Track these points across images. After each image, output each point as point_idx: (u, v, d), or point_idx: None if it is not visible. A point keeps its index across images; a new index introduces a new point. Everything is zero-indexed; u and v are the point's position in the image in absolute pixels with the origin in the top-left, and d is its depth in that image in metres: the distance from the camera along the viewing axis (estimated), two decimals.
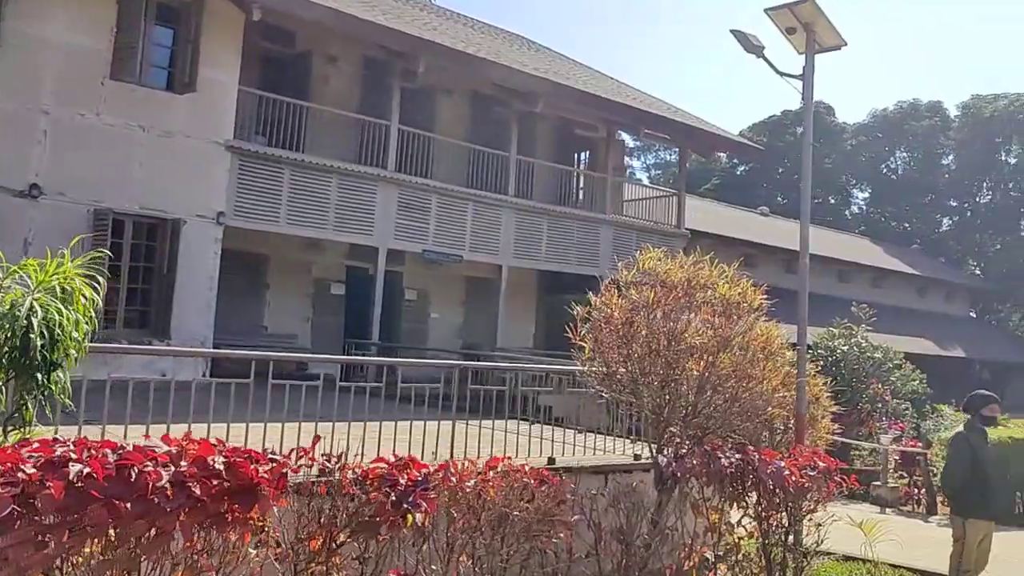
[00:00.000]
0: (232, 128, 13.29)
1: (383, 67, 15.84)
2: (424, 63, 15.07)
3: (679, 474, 5.96)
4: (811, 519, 6.42)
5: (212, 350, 12.17)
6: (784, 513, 6.28)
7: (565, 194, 20.12)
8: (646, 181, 59.78)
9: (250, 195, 13.55)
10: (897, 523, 11.36)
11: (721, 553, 6.17)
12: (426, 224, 15.89)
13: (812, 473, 6.02)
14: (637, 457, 7.36)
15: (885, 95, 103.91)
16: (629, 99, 19.18)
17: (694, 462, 5.85)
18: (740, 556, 6.21)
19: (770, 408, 6.71)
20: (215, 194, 13.12)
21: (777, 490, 5.91)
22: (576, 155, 22.02)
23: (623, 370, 6.28)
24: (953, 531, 6.78)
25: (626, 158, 78.50)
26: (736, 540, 6.16)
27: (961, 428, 6.89)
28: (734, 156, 57.98)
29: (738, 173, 56.07)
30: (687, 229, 21.24)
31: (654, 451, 6.49)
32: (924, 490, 12.10)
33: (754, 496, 6.08)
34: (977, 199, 50.52)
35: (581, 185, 21.42)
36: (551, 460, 7.20)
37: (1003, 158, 48.09)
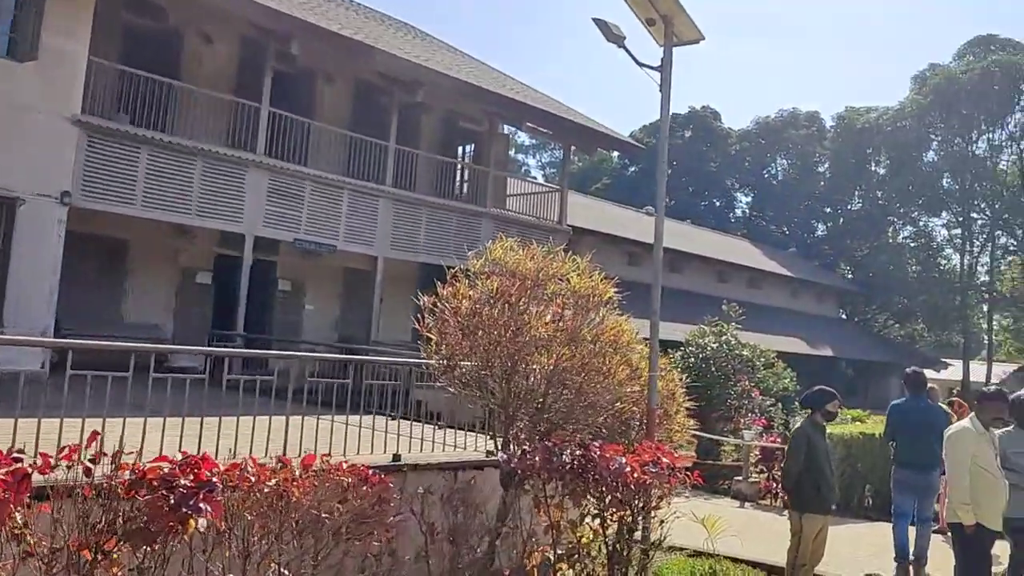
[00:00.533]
0: (80, 102, 12.37)
1: (258, 48, 15.14)
2: (299, 45, 14.50)
3: (520, 471, 5.77)
4: (655, 515, 6.35)
5: (42, 339, 11.29)
6: (628, 510, 6.18)
7: (448, 187, 19.85)
8: (541, 179, 60.27)
9: (101, 175, 12.66)
10: (753, 517, 11.64)
11: (562, 552, 6.02)
12: (299, 212, 15.30)
13: (654, 470, 5.94)
14: (491, 453, 7.14)
15: (768, 103, 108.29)
16: (512, 92, 19.05)
17: (536, 458, 5.66)
18: (582, 554, 6.07)
19: (618, 403, 6.62)
20: (60, 172, 12.19)
21: (619, 486, 5.80)
22: (462, 148, 21.81)
23: (467, 363, 6.04)
24: (791, 526, 6.86)
25: (521, 156, 78.89)
26: (578, 538, 6.02)
27: (801, 424, 6.97)
28: (625, 157, 59.24)
29: (628, 174, 57.13)
30: (570, 226, 21.29)
31: (499, 447, 6.30)
32: (781, 485, 12.39)
33: (596, 493, 5.95)
34: (849, 206, 53.07)
35: (466, 178, 21.23)
36: (396, 457, 6.92)
37: (872, 168, 50.67)
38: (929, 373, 42.73)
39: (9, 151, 11.60)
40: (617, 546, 6.22)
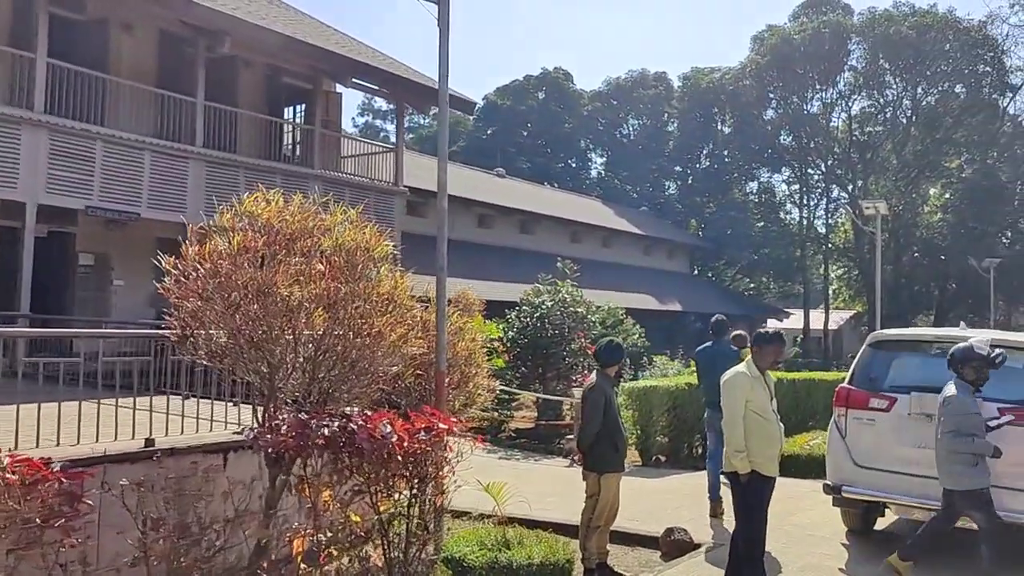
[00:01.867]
0: None
1: None
2: None
3: (274, 449, 5.07)
4: (437, 485, 5.80)
5: None
6: (406, 483, 5.60)
7: (275, 149, 18.61)
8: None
9: None
10: (575, 474, 11.42)
11: (332, 535, 5.38)
12: (90, 176, 13.78)
13: (426, 436, 5.36)
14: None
15: (619, 64, 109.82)
16: (337, 46, 17.96)
17: (282, 433, 4.97)
18: (354, 537, 5.45)
19: (394, 368, 5.99)
20: None
21: (385, 459, 5.19)
22: (292, 107, 20.55)
23: (212, 333, 5.24)
24: (587, 487, 6.49)
25: (380, 121, 76.80)
26: (346, 518, 5.39)
27: (595, 379, 6.56)
28: (480, 119, 58.61)
29: (483, 137, 56.56)
30: (415, 188, 20.46)
31: (256, 424, 5.56)
32: (577, 446, 12.25)
33: (361, 468, 5.32)
34: (697, 165, 54.59)
35: (298, 140, 20.04)
36: (149, 441, 6.07)
37: (718, 127, 52.19)
38: (773, 322, 44.86)
39: None
40: (392, 523, 5.64)
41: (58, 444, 5.63)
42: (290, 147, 20.20)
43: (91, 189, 13.79)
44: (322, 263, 5.67)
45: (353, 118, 74.74)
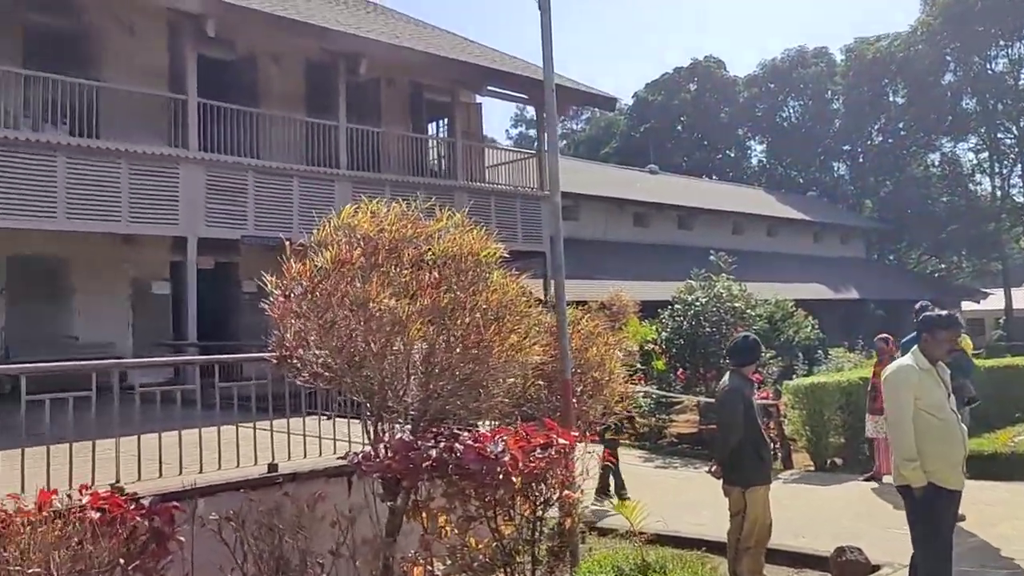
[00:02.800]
0: None
1: (181, 35, 14.19)
2: (216, 24, 13.48)
3: (375, 475, 4.76)
4: (566, 506, 5.30)
5: None
6: (528, 504, 5.14)
7: (421, 164, 18.80)
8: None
9: (14, 189, 11.79)
10: None
11: (450, 563, 5.01)
12: (244, 207, 14.35)
13: (541, 455, 4.88)
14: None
15: (773, 45, 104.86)
16: (469, 55, 17.92)
17: (387, 457, 4.65)
18: (476, 564, 5.05)
19: (510, 379, 5.54)
20: None
21: (498, 480, 4.75)
22: (435, 121, 20.80)
23: (304, 353, 5.02)
24: (731, 504, 5.76)
25: (531, 131, 77.51)
26: (465, 545, 5.00)
27: (728, 380, 5.83)
28: (633, 117, 57.64)
29: (636, 135, 55.46)
30: (564, 192, 20.02)
31: (369, 447, 5.28)
32: (779, 444, 11.26)
33: (477, 491, 4.91)
34: (867, 142, 50.92)
35: (443, 154, 20.21)
36: (272, 467, 5.96)
37: (889, 98, 48.44)
38: (968, 305, 40.90)
39: None
40: (517, 550, 5.19)
41: (160, 475, 5.58)
42: (435, 161, 20.39)
43: (246, 219, 14.35)
44: (427, 272, 5.33)
45: (507, 130, 75.68)
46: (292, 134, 15.94)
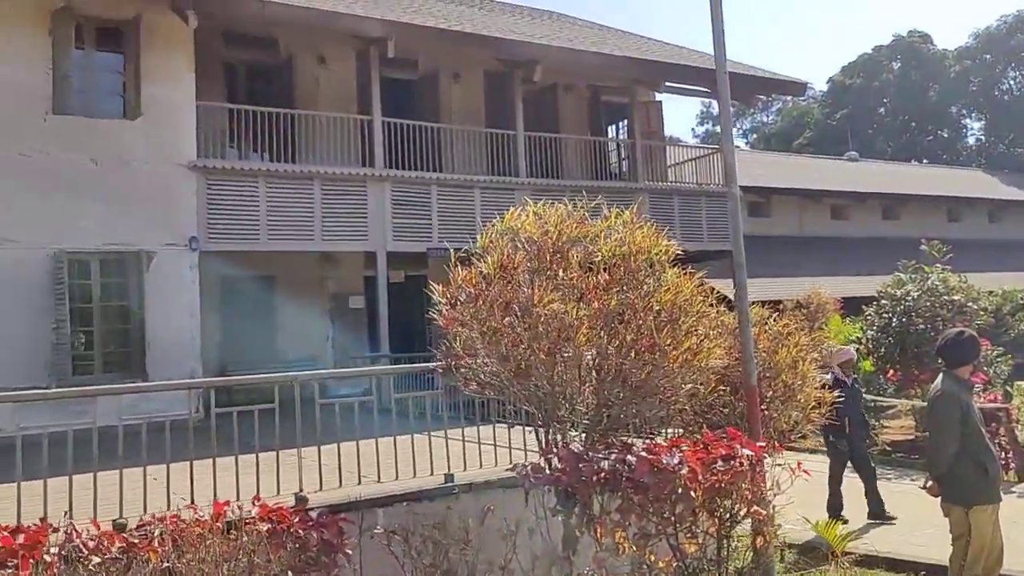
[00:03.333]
0: (195, 147, 12.54)
1: (367, 59, 14.81)
2: (397, 45, 13.94)
3: (543, 486, 4.55)
4: (758, 522, 4.83)
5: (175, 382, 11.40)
6: (714, 520, 4.73)
7: (602, 167, 18.55)
8: (744, 147, 56.67)
9: (223, 215, 12.75)
10: None
11: None
12: (428, 220, 14.72)
13: (723, 467, 4.44)
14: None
15: (986, 12, 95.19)
16: (644, 52, 17.48)
17: (556, 469, 4.42)
18: None
19: (687, 386, 5.14)
20: (185, 219, 12.40)
21: (674, 494, 4.38)
22: (615, 123, 20.48)
23: (469, 361, 4.90)
24: (952, 526, 5.00)
25: (716, 127, 75.31)
26: (643, 562, 4.66)
27: (941, 383, 5.07)
28: (828, 104, 54.33)
29: (832, 123, 52.18)
30: (742, 187, 19.06)
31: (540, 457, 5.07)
32: (1011, 454, 9.94)
33: (654, 505, 4.55)
34: None
35: (624, 156, 19.87)
36: (448, 477, 5.91)
37: None
38: None
39: (133, 207, 11.94)
40: (702, 567, 4.80)
41: (340, 485, 5.63)
42: (616, 164, 20.06)
43: (431, 232, 14.72)
44: (595, 274, 5.06)
45: (693, 128, 73.74)
46: (472, 146, 16.22)
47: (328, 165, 13.96)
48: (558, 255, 5.06)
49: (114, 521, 4.25)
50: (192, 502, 4.21)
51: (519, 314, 4.76)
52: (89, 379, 11.57)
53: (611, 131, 20.35)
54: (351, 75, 15.98)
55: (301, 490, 5.38)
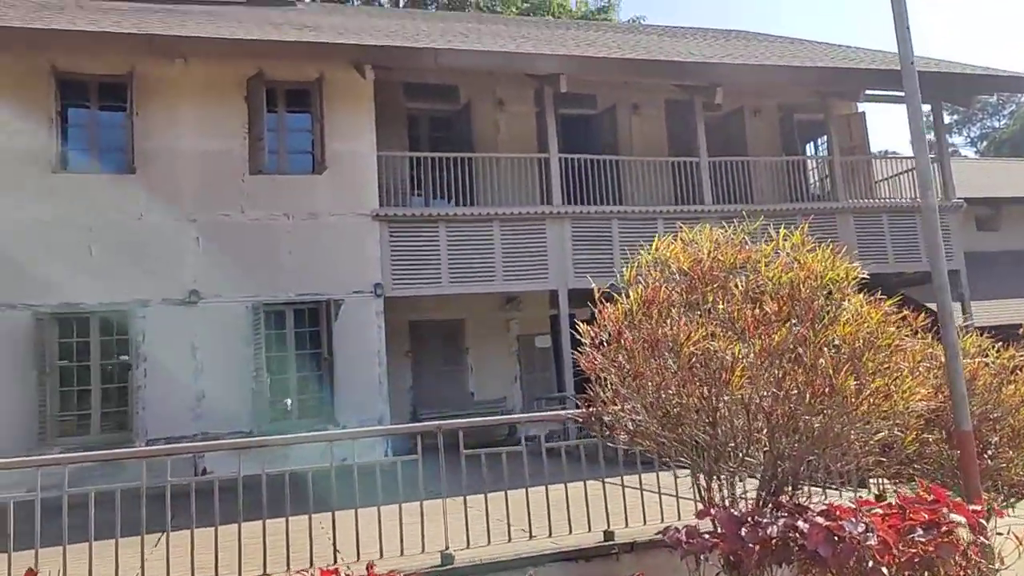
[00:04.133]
0: (377, 197, 12.94)
1: (543, 98, 14.72)
2: (570, 80, 13.72)
3: (699, 553, 3.92)
4: None
5: (368, 429, 11.62)
6: None
7: (799, 189, 17.29)
8: (971, 156, 51.61)
9: (406, 261, 13.01)
10: None
11: None
12: (609, 255, 14.25)
13: (924, 536, 3.58)
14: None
15: None
16: (843, 61, 16.15)
17: (712, 533, 3.78)
18: None
19: (879, 434, 4.30)
20: (370, 267, 12.76)
21: (867, 571, 3.58)
22: (812, 142, 19.12)
23: (611, 408, 4.37)
24: None
25: (946, 136, 69.79)
26: None
27: None
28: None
29: None
30: (962, 200, 17.06)
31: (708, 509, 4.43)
32: None
33: None
34: None
35: (823, 175, 18.45)
36: (608, 535, 5.38)
37: None
38: None
39: (321, 258, 12.47)
40: None
41: (488, 543, 5.24)
42: (816, 183, 18.66)
43: (611, 267, 14.23)
44: (756, 306, 4.40)
45: (911, 141, 68.15)
46: (654, 176, 15.64)
47: (507, 206, 13.93)
48: (714, 285, 4.44)
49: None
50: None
51: (665, 354, 4.19)
52: (288, 424, 12.12)
53: (808, 149, 19.00)
54: (529, 115, 15.98)
55: (447, 547, 5.06)
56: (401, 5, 31.72)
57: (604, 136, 16.46)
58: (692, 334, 4.13)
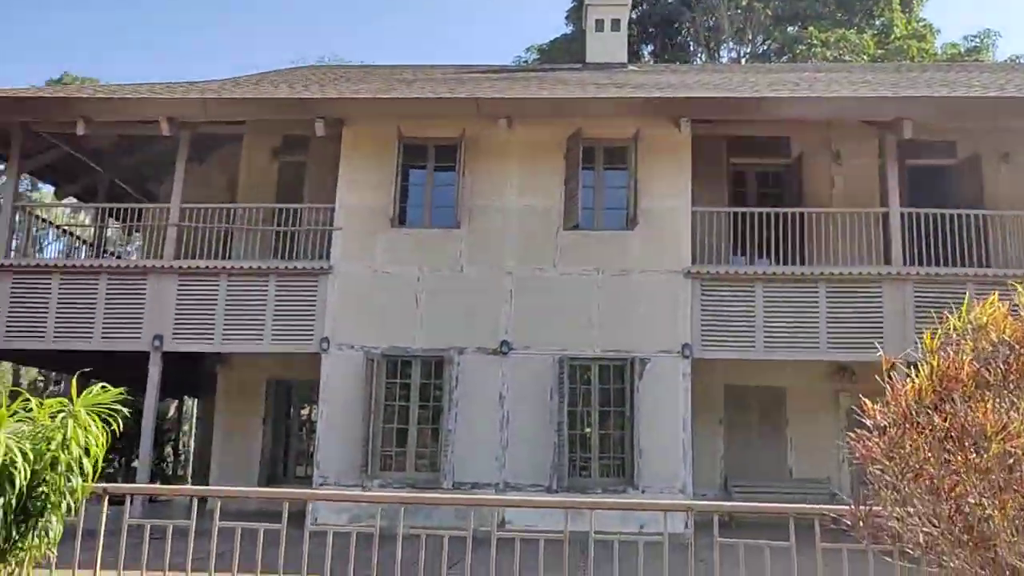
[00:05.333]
0: (689, 254, 12.42)
1: (883, 143, 13.20)
2: (913, 126, 12.12)
3: None
4: None
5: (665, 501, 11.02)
6: None
7: None
8: None
9: (718, 321, 12.28)
10: None
11: None
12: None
13: None
14: None
15: None
16: None
17: None
18: None
19: None
20: (679, 326, 12.23)
21: None
22: None
23: (899, 513, 3.44)
24: None
25: None
26: None
27: None
28: None
29: None
30: None
31: None
32: None
33: None
34: None
35: None
36: None
37: None
38: None
39: (628, 315, 12.23)
40: None
41: None
42: None
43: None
44: None
45: None
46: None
47: (835, 266, 12.60)
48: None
49: None
50: None
51: (967, 448, 3.20)
52: (586, 481, 11.93)
53: None
54: (870, 167, 14.45)
55: None
56: (742, 62, 31.05)
57: (964, 188, 14.32)
58: (1007, 423, 3.12)
